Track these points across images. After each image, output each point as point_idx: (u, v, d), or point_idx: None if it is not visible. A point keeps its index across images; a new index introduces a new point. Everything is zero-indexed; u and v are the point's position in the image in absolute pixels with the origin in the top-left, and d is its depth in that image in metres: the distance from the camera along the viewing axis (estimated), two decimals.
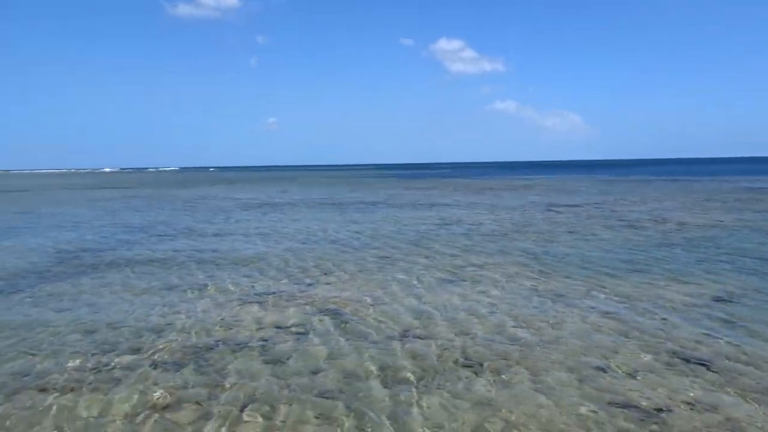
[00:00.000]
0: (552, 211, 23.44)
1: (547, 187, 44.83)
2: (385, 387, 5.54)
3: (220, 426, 4.76)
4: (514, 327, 7.38)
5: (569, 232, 16.62)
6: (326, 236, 16.66)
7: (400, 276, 10.67)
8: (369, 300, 8.90)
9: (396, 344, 6.80)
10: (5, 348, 6.85)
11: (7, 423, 4.88)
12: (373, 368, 6.04)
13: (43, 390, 5.57)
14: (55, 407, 5.18)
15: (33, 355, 6.61)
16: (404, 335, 7.14)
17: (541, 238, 15.46)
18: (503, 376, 5.76)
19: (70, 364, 6.25)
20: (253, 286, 10.04)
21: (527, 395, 5.28)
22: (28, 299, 9.36)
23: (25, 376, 5.95)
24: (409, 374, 5.85)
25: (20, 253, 14.42)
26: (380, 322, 7.75)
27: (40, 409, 5.15)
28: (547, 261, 11.96)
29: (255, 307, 8.59)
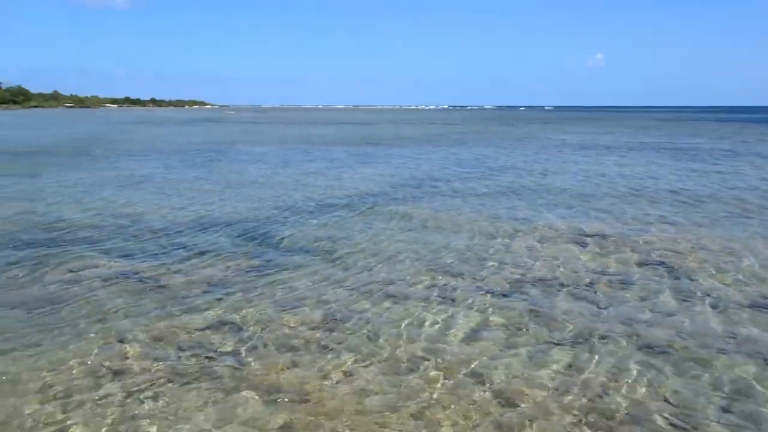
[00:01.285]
0: None
1: None
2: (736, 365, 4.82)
3: (529, 355, 4.79)
4: None
5: None
6: (664, 184, 15.12)
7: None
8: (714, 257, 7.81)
9: (743, 314, 5.84)
10: (348, 254, 8.02)
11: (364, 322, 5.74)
12: (719, 331, 5.31)
13: (391, 297, 6.36)
14: (401, 310, 5.88)
15: (369, 269, 7.58)
16: (754, 305, 6.09)
17: None
18: None
19: (411, 279, 6.99)
20: (579, 227, 9.76)
21: None
22: (371, 216, 10.79)
23: (369, 282, 6.88)
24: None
25: (369, 179, 16.69)
26: (723, 283, 6.74)
27: (392, 316, 5.91)
28: None
29: (577, 248, 8.34)
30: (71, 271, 7.14)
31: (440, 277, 7.01)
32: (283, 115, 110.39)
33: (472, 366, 4.66)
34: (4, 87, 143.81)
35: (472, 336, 5.30)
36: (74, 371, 4.53)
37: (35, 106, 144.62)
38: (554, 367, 4.68)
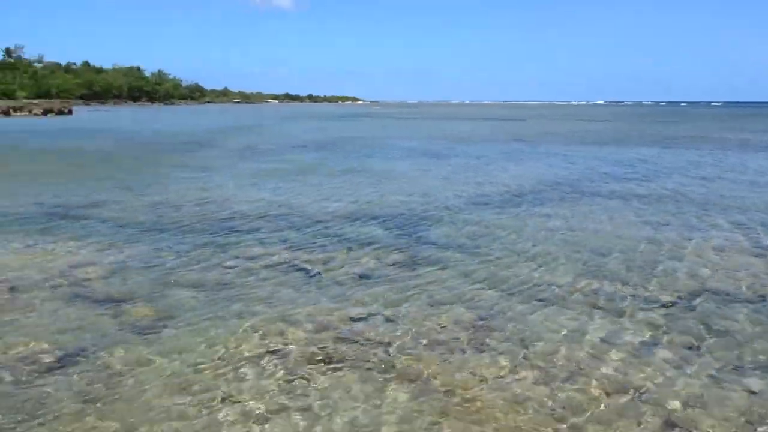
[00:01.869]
0: None
1: None
2: None
3: (708, 379, 4.26)
4: None
5: None
6: None
7: None
8: None
9: None
10: (503, 255, 7.77)
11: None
12: None
13: (548, 302, 6.07)
14: (559, 317, 5.59)
15: (524, 271, 7.27)
16: None
17: None
18: None
19: (570, 284, 6.62)
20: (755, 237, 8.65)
21: None
22: (525, 216, 10.41)
23: (524, 285, 6.61)
24: None
25: (520, 177, 16.20)
26: None
27: (549, 324, 5.65)
28: None
29: (761, 262, 7.37)
30: (240, 257, 7.69)
31: (602, 284, 6.54)
32: (428, 110, 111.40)
33: (640, 386, 4.26)
34: (184, 85, 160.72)
35: (639, 352, 4.85)
36: (242, 346, 4.85)
37: (208, 101, 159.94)
38: (738, 394, 4.14)
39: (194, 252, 7.86)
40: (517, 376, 4.40)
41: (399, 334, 5.19)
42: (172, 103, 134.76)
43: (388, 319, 5.53)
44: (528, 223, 9.79)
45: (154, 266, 7.19)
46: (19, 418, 3.75)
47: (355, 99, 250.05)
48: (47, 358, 4.63)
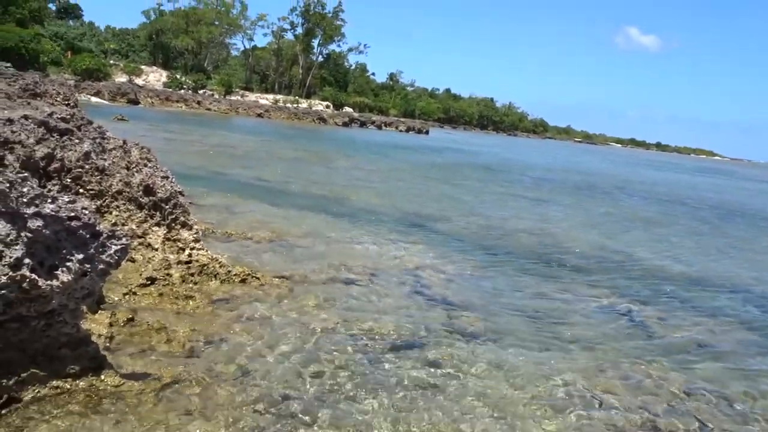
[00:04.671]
0: None
1: None
2: None
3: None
4: None
5: None
6: None
7: None
8: None
9: None
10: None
11: None
12: None
13: None
14: None
15: None
16: None
17: None
18: None
19: None
20: None
21: None
22: None
23: None
24: None
25: None
26: None
27: None
28: None
29: None
30: (569, 292, 7.65)
31: None
32: None
33: None
34: (529, 118, 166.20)
35: None
36: (564, 383, 4.82)
37: (549, 137, 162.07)
38: None
39: (525, 278, 8.10)
40: None
41: (718, 414, 4.49)
42: (515, 135, 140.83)
43: (716, 397, 4.85)
44: None
45: (487, 282, 7.66)
46: (357, 382, 4.42)
47: (711, 153, 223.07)
48: (389, 339, 5.34)
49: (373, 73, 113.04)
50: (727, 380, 5.37)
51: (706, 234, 14.97)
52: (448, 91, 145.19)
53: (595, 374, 5.11)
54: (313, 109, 70.43)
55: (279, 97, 74.08)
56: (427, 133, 74.97)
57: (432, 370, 4.79)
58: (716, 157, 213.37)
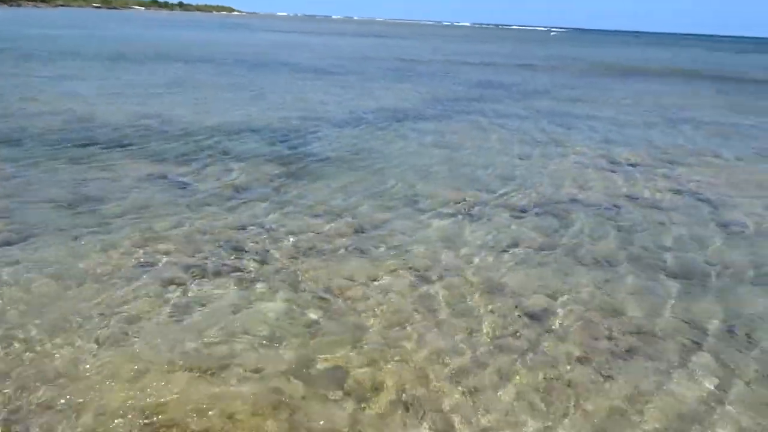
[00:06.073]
0: None
1: None
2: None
3: (557, 275, 4.81)
4: None
5: None
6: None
7: None
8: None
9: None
10: (381, 167, 7.98)
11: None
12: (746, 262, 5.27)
13: (421, 211, 6.35)
14: (431, 224, 5.92)
15: (401, 183, 7.52)
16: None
17: None
18: None
19: (441, 194, 6.97)
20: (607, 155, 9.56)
21: None
22: (403, 131, 10.66)
23: (406, 196, 6.86)
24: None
25: (398, 94, 16.35)
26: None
27: (423, 230, 5.94)
28: None
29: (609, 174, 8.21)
30: (106, 170, 7.23)
31: (475, 195, 6.99)
32: (304, 25, 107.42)
33: (502, 280, 4.72)
34: None
35: (497, 252, 5.32)
36: (112, 263, 4.67)
37: (61, 5, 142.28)
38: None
39: (54, 164, 7.27)
40: (390, 277, 4.67)
41: (277, 243, 5.25)
42: (14, 5, 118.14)
43: (266, 230, 5.55)
44: (409, 137, 10.08)
45: (12, 179, 6.60)
46: None
47: (231, 9, 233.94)
48: None
49: None
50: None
51: (236, 87, 16.00)
52: None
53: (147, 237, 5.12)
54: None
55: None
56: None
57: None
58: (235, 12, 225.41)
